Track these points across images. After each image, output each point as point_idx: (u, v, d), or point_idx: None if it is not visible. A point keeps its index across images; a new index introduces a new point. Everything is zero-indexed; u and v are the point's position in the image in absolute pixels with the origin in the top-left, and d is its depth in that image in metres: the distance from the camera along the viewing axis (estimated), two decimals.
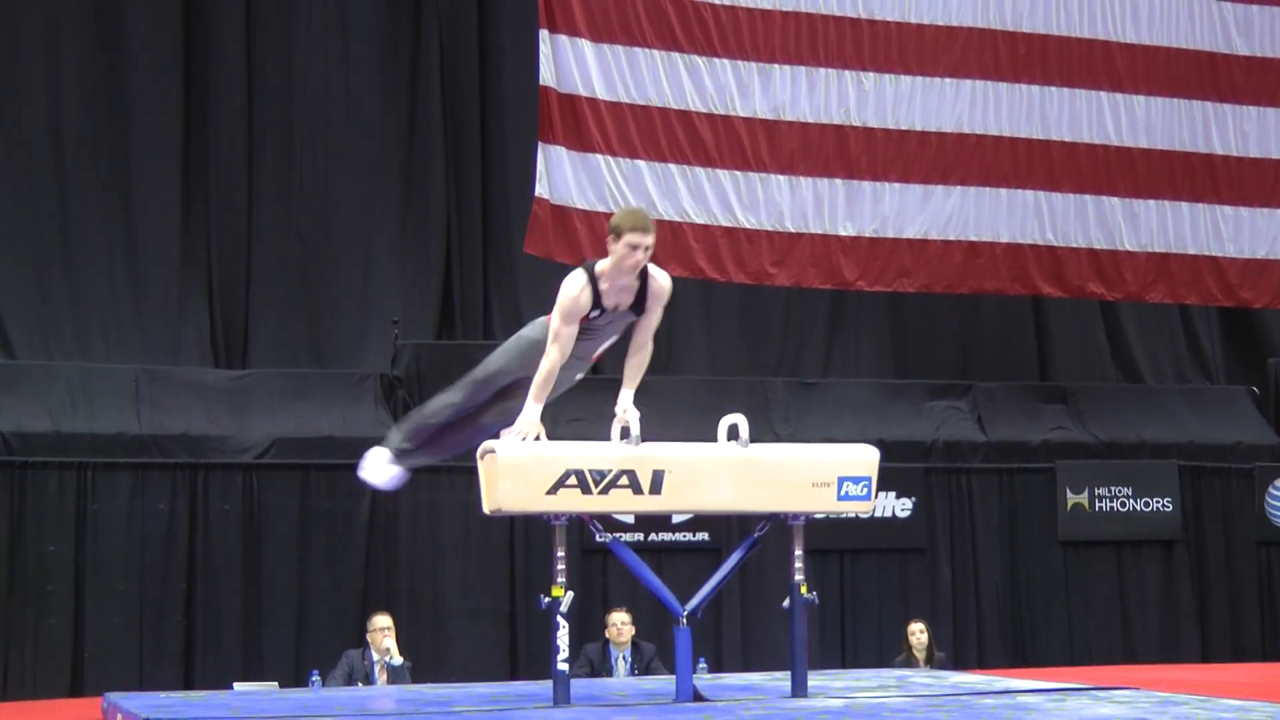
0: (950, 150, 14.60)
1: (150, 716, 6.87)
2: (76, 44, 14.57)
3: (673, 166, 13.93)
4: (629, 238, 7.19)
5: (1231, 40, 15.43)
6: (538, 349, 7.49)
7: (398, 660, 11.23)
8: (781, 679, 8.23)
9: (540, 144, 13.49)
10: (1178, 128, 15.22)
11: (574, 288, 7.27)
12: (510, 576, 13.56)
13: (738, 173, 14.05)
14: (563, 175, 13.52)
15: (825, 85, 14.30)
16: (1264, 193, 15.47)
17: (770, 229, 14.09)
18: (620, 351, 7.81)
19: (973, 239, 14.63)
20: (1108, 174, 15.01)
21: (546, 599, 7.26)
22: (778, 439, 13.67)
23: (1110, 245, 14.99)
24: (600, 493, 7.22)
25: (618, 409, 7.56)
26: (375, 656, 11.28)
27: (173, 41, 14.78)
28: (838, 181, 14.29)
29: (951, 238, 14.58)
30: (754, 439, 7.55)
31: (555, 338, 7.35)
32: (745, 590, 13.84)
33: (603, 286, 7.33)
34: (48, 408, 13.16)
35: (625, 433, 7.40)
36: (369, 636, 11.44)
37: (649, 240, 7.22)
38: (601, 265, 7.33)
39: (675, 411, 13.08)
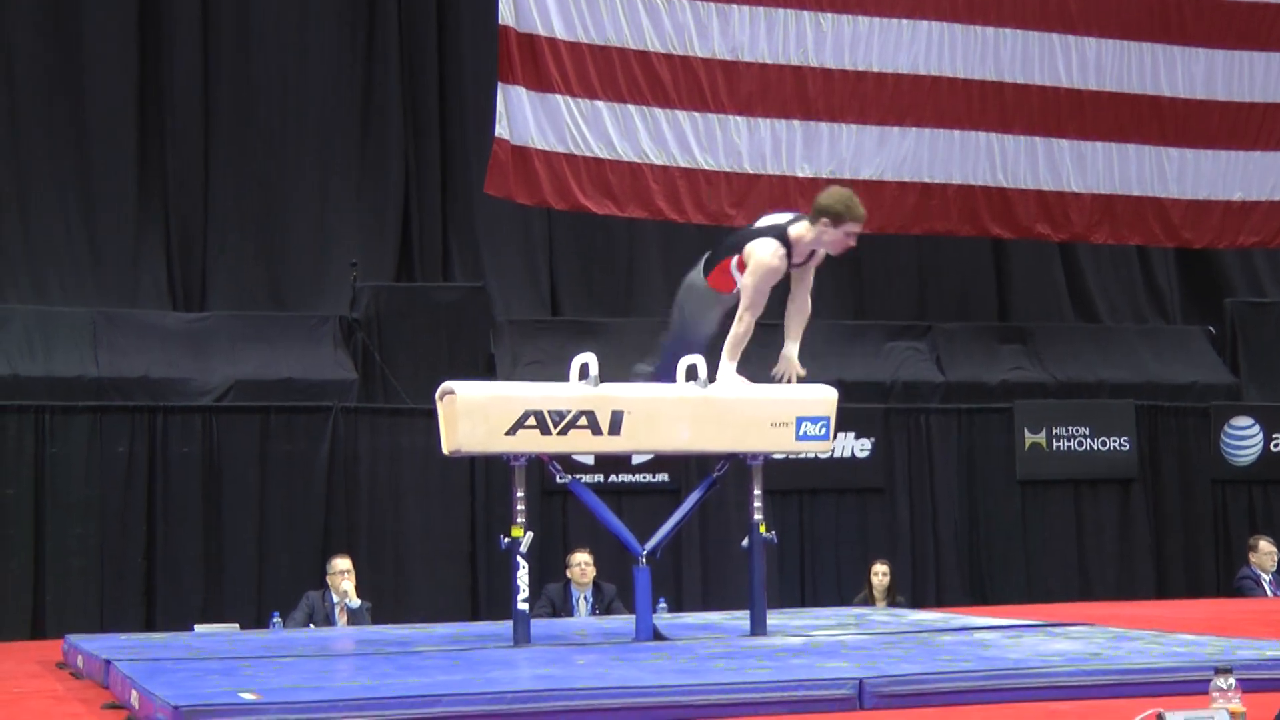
0: (906, 92, 14.59)
1: (111, 658, 6.88)
2: None
3: (631, 107, 13.88)
4: (849, 227, 7.51)
5: None
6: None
7: (356, 602, 11.25)
8: (741, 618, 8.29)
9: (500, 84, 13.43)
10: (1127, 70, 15.24)
11: (773, 259, 7.49)
12: (471, 517, 13.57)
13: (696, 114, 14.03)
14: (522, 116, 13.47)
15: (783, 26, 14.26)
16: (1208, 134, 15.51)
17: (729, 170, 14.08)
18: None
19: (926, 180, 14.65)
20: (1057, 116, 15.04)
21: (506, 540, 7.31)
22: None
23: (1057, 187, 15.03)
24: (559, 433, 7.26)
25: (784, 357, 7.79)
26: (335, 598, 11.31)
27: None
28: (795, 123, 14.28)
29: (906, 179, 14.59)
30: (712, 380, 7.58)
31: (751, 305, 7.53)
32: (705, 530, 13.88)
33: (795, 253, 7.59)
34: (5, 351, 13.11)
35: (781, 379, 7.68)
36: (329, 579, 11.46)
37: (860, 228, 7.59)
38: (797, 231, 7.55)
39: (634, 353, 13.02)
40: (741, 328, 7.54)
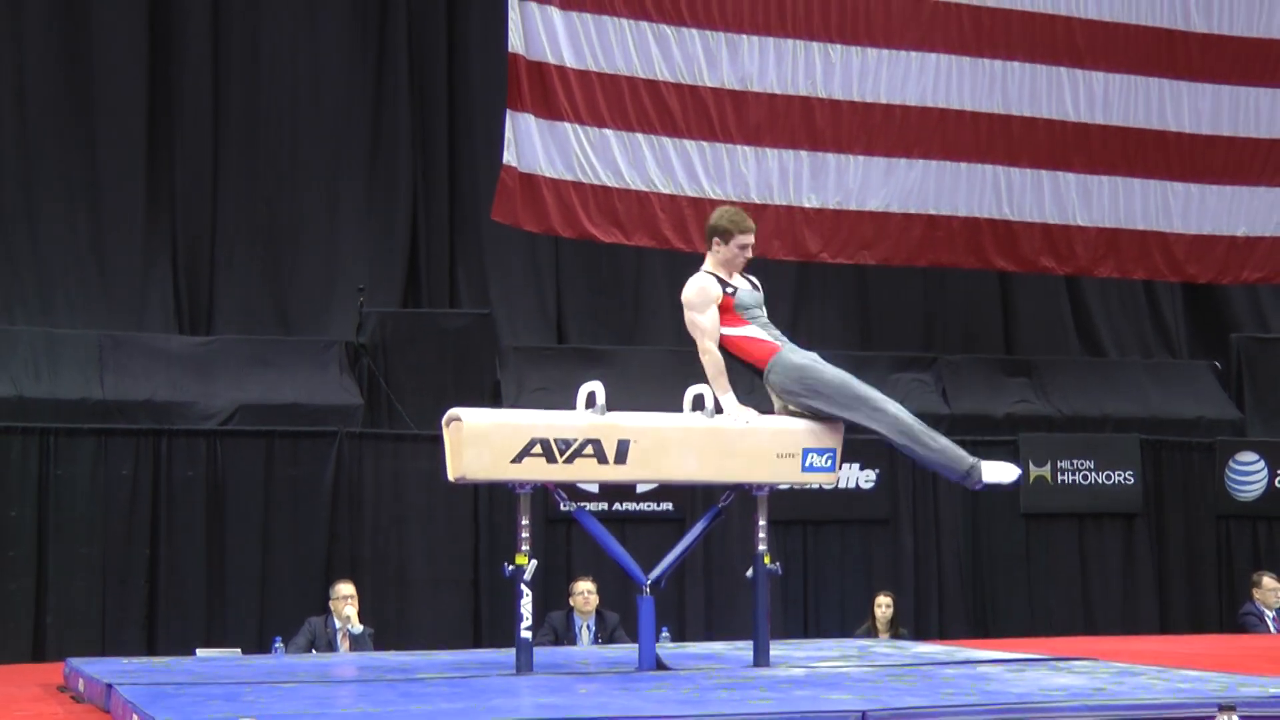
0: (913, 124, 14.64)
1: (113, 682, 6.87)
2: (40, 5, 14.47)
3: (640, 136, 13.92)
4: (740, 239, 7.67)
5: (1190, 18, 15.50)
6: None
7: (358, 628, 11.24)
8: (744, 648, 8.27)
9: (508, 111, 13.47)
10: (1133, 104, 15.30)
11: (693, 285, 7.70)
12: (475, 544, 13.54)
13: (704, 143, 14.06)
14: (531, 143, 13.51)
15: (792, 56, 14.30)
16: (1214, 169, 15.56)
17: (735, 200, 14.08)
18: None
19: (932, 212, 14.70)
20: (1064, 149, 15.09)
21: (510, 567, 7.29)
22: None
23: (1063, 220, 15.10)
24: (565, 461, 7.23)
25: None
26: (337, 624, 11.29)
27: (139, 5, 14.68)
28: (803, 153, 14.32)
29: (912, 211, 14.64)
30: (718, 409, 7.58)
31: (704, 332, 7.64)
32: (709, 560, 13.87)
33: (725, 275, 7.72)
34: (10, 373, 13.11)
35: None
36: (331, 604, 11.45)
37: (752, 238, 7.71)
38: (708, 265, 7.77)
39: (641, 382, 13.12)
40: (709, 360, 7.58)
